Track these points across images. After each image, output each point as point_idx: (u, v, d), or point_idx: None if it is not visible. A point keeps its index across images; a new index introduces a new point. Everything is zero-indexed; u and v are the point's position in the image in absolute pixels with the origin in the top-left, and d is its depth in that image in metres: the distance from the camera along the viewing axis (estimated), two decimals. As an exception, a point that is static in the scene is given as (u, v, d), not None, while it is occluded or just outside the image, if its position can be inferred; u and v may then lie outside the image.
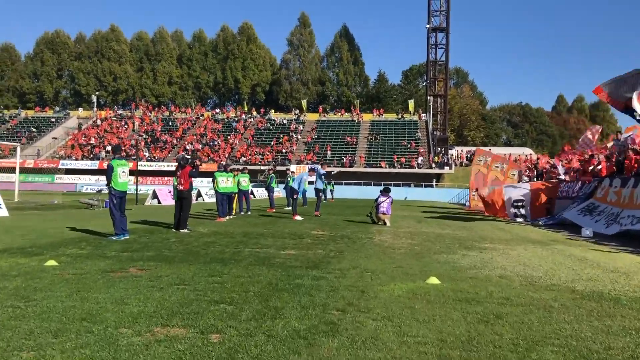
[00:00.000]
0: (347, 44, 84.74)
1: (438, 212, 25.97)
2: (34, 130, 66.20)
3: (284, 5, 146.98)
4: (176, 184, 12.75)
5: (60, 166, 57.14)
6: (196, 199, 30.69)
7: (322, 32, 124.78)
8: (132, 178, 32.06)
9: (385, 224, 15.26)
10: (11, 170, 55.18)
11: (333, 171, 41.52)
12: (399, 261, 8.17)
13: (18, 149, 26.18)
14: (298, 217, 16.94)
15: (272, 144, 59.06)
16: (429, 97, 67.74)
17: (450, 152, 64.55)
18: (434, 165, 53.04)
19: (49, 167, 56.44)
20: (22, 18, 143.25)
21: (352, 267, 7.36)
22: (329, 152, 56.16)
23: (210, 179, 17.73)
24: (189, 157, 12.98)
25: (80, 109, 75.41)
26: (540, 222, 19.25)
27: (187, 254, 8.24)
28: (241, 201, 19.80)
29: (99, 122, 68.49)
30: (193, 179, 12.42)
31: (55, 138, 64.55)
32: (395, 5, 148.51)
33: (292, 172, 30.50)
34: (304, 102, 70.53)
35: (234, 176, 17.70)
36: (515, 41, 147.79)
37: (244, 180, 19.79)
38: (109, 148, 60.25)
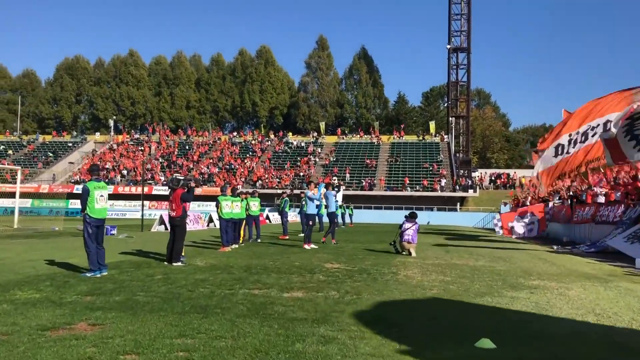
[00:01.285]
0: (366, 66, 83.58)
1: (465, 238, 24.01)
2: (51, 155, 65.75)
3: (302, 29, 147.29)
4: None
5: (74, 191, 56.20)
6: (207, 225, 29.19)
7: (340, 54, 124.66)
8: (113, 202, 30.62)
9: (410, 254, 13.43)
10: (28, 195, 54.60)
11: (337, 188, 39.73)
12: (434, 308, 6.38)
13: (19, 172, 24.93)
14: (310, 246, 15.09)
15: (286, 166, 57.62)
16: (450, 119, 65.90)
17: (473, 174, 62.43)
18: (457, 188, 50.92)
19: (63, 192, 55.59)
20: (43, 44, 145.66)
21: (373, 320, 5.59)
22: (347, 175, 54.45)
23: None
24: (182, 178, 11.33)
25: (97, 134, 75.05)
26: (581, 249, 17.29)
27: (164, 300, 6.55)
28: (251, 227, 18.16)
29: (115, 146, 67.88)
30: (188, 203, 10.81)
31: (72, 163, 63.99)
32: (415, 27, 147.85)
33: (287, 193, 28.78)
34: (322, 125, 69.20)
35: (242, 200, 16.06)
36: (539, 61, 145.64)
37: (254, 205, 18.19)
38: (124, 172, 59.45)
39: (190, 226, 26.01)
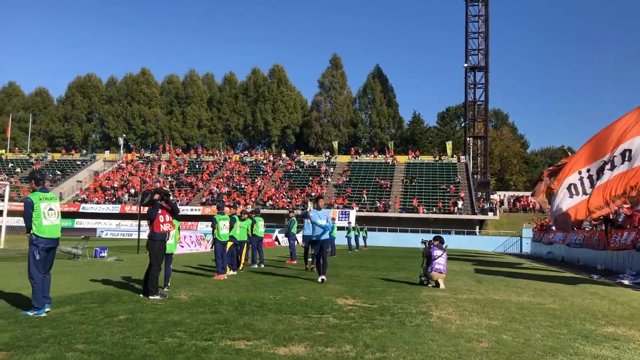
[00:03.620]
0: (380, 85, 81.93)
1: (491, 264, 21.80)
2: (59, 173, 64.51)
3: (316, 47, 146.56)
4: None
5: (81, 210, 54.81)
6: (212, 247, 27.20)
7: (354, 73, 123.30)
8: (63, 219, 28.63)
9: (438, 285, 11.35)
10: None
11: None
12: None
13: (7, 189, 23.20)
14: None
15: (285, 185, 55.72)
16: (468, 139, 63.83)
17: (492, 196, 60.08)
18: (477, 211, 48.59)
19: (68, 211, 54.14)
20: (56, 63, 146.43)
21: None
22: (365, 196, 52.31)
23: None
24: (150, 192, 9.16)
25: (107, 152, 73.85)
26: (626, 279, 15.07)
27: (105, 358, 4.58)
28: (255, 250, 16.21)
29: (123, 165, 66.56)
30: (162, 221, 8.87)
31: (80, 181, 62.69)
32: (431, 45, 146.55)
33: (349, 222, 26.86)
34: (335, 144, 67.38)
35: (243, 220, 14.15)
36: (557, 82, 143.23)
37: (260, 225, 16.28)
38: (132, 191, 57.90)
39: (190, 248, 24.12)
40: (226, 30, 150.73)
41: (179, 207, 10.58)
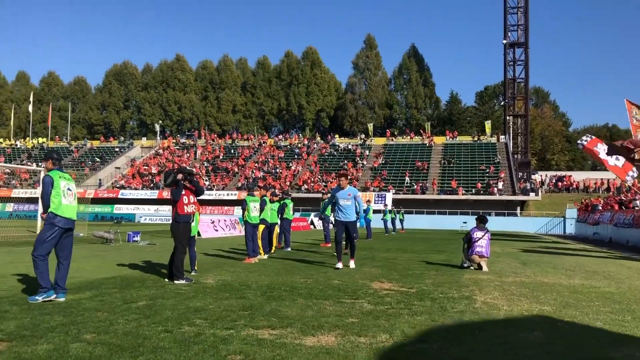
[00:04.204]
0: (416, 65, 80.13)
1: (535, 245, 20.83)
2: (98, 160, 65.63)
3: (349, 28, 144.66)
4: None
5: (119, 196, 55.58)
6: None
7: (389, 53, 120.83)
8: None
9: (480, 268, 10.64)
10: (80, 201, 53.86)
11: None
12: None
13: (42, 174, 23.32)
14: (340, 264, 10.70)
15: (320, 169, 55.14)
16: (507, 118, 61.88)
17: (533, 177, 58.23)
18: (517, 191, 47.10)
19: (107, 197, 55.03)
20: (93, 51, 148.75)
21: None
22: (407, 179, 51.21)
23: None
24: (172, 172, 8.51)
25: (144, 139, 74.73)
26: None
27: (112, 351, 4.13)
28: (286, 233, 15.80)
29: (160, 151, 67.20)
30: (185, 204, 8.41)
31: (118, 168, 63.61)
32: (468, 23, 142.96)
33: (369, 200, 26.34)
34: (370, 126, 66.33)
35: (272, 202, 13.69)
36: (601, 58, 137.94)
37: (290, 208, 15.85)
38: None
39: (224, 232, 23.90)
40: (259, 14, 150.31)
41: (205, 188, 10.06)
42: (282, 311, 5.86)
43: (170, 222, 8.48)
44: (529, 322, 5.62)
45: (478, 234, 10.73)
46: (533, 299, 7.15)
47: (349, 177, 11.07)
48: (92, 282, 7.84)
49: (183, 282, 8.01)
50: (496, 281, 9.03)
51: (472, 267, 10.88)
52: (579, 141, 18.85)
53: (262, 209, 12.41)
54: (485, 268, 10.58)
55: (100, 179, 60.35)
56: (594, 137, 18.72)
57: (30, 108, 77.40)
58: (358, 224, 11.61)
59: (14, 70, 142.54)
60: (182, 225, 8.41)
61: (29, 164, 59.82)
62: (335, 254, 11.38)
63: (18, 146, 71.66)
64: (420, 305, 6.43)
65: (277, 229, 14.33)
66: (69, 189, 6.55)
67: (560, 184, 56.96)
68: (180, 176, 8.39)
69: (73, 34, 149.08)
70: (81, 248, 14.71)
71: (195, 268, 9.49)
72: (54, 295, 6.18)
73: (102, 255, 12.39)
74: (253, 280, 8.41)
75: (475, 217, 11.57)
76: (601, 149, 17.72)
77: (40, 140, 74.20)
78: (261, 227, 12.52)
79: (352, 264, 10.65)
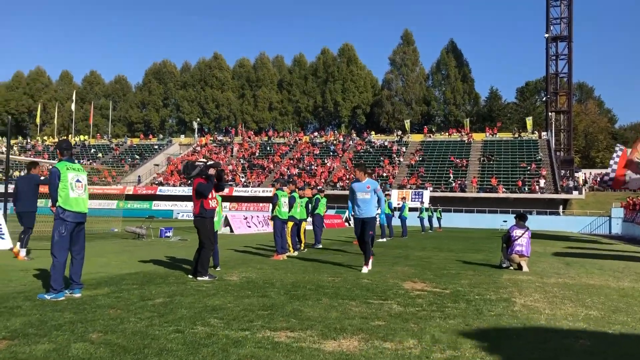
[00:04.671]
0: (455, 60, 78.57)
1: (579, 246, 19.90)
2: (137, 157, 66.72)
3: (386, 24, 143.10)
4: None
5: (158, 192, 56.33)
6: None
7: (426, 49, 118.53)
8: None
9: (520, 268, 10.05)
10: (114, 197, 55.23)
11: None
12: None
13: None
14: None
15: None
16: (549, 114, 60.03)
17: (576, 174, 56.33)
18: (560, 190, 45.56)
19: (146, 194, 55.86)
20: (133, 51, 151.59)
21: None
22: (451, 175, 50.18)
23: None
24: (199, 164, 8.12)
25: (182, 136, 75.66)
26: None
27: (115, 352, 3.84)
28: (319, 229, 15.48)
29: (198, 148, 67.87)
30: (208, 198, 8.12)
31: (157, 165, 64.51)
32: (507, 17, 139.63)
33: (388, 194, 25.87)
34: (407, 123, 65.38)
35: (301, 198, 13.38)
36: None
37: (323, 204, 15.52)
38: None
39: (257, 228, 23.72)
40: (296, 12, 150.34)
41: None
42: (304, 312, 5.49)
43: (195, 217, 8.13)
44: (575, 329, 5.10)
45: (517, 232, 10.14)
46: (578, 303, 6.59)
47: (367, 169, 9.80)
48: (114, 278, 7.65)
49: (206, 278, 7.74)
50: (537, 282, 8.45)
51: (511, 267, 10.30)
52: (606, 180, 18.75)
53: (291, 206, 12.10)
54: (525, 268, 9.99)
55: (139, 176, 61.32)
56: (615, 170, 18.03)
57: (73, 107, 79.28)
58: (378, 221, 11.01)
59: (58, 70, 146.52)
60: (209, 221, 8.15)
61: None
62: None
63: (61, 144, 73.47)
64: (453, 308, 5.96)
65: (304, 225, 13.90)
66: (77, 181, 6.26)
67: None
68: (212, 171, 8.10)
69: (114, 34, 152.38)
70: (113, 243, 14.71)
71: (219, 264, 9.24)
72: (62, 296, 5.93)
73: (131, 251, 12.28)
74: (278, 278, 8.08)
75: (515, 214, 10.96)
76: (628, 175, 17.19)
77: (82, 137, 75.95)
78: (290, 223, 12.23)
79: (364, 269, 9.23)
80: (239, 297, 6.32)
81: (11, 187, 11.63)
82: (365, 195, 9.34)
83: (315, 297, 6.38)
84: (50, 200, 6.15)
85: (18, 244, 10.29)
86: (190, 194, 7.88)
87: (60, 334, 4.30)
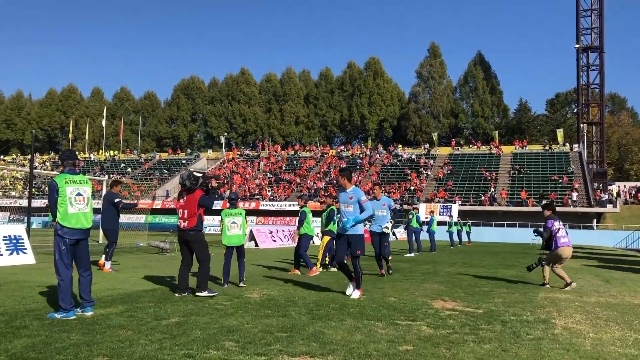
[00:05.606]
0: (483, 72, 77.58)
1: (617, 261, 19.06)
2: (166, 172, 67.33)
3: (413, 37, 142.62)
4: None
5: (185, 207, 56.58)
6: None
7: (454, 61, 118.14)
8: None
9: (568, 285, 9.40)
10: (143, 211, 55.75)
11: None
12: None
13: (104, 184, 23.46)
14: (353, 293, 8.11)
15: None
16: (581, 126, 58.62)
17: (610, 187, 54.78)
18: (594, 203, 44.23)
19: (173, 208, 56.12)
20: (163, 67, 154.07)
21: None
22: (492, 189, 49.12)
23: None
24: (200, 175, 7.79)
25: (210, 151, 76.21)
26: None
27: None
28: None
29: (226, 162, 68.20)
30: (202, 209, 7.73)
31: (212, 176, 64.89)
32: (536, 27, 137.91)
33: (415, 207, 25.33)
34: (434, 136, 64.63)
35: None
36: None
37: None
38: (233, 190, 58.87)
39: (282, 242, 23.41)
40: (322, 26, 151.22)
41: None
42: (326, 334, 5.12)
43: (189, 230, 7.66)
44: (626, 356, 4.61)
45: (557, 224, 9.54)
46: (625, 325, 6.06)
47: (352, 176, 8.45)
48: (130, 295, 7.39)
49: (206, 293, 7.40)
50: (577, 301, 7.92)
51: (557, 266, 9.57)
52: None
53: (301, 222, 11.88)
54: (570, 284, 9.37)
55: (167, 190, 61.82)
56: None
57: (104, 122, 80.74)
58: (400, 235, 10.84)
59: (89, 87, 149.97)
60: (203, 234, 7.84)
61: (101, 175, 62.18)
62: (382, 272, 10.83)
63: (92, 159, 74.72)
64: (488, 330, 5.51)
65: (324, 241, 12.47)
66: (78, 194, 5.90)
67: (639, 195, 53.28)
68: (214, 183, 7.81)
69: (144, 51, 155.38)
70: (134, 258, 14.55)
71: (243, 279, 8.93)
72: (73, 315, 5.67)
73: (152, 266, 12.06)
74: (300, 296, 7.72)
75: (544, 204, 10.05)
76: None
77: (112, 153, 77.15)
78: (326, 238, 12.07)
79: (354, 294, 7.83)
80: (258, 316, 5.97)
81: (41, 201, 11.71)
82: (348, 207, 8.04)
83: (338, 318, 6.00)
84: (51, 214, 5.90)
85: (103, 256, 11.00)
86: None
87: (62, 358, 4.02)
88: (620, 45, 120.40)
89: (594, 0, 60.74)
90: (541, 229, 9.69)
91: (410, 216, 20.39)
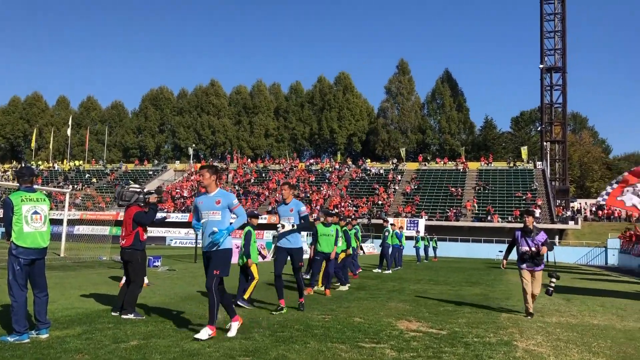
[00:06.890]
0: (450, 89, 78.99)
1: (578, 279, 19.48)
2: (132, 183, 66.16)
3: (382, 53, 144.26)
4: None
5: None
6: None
7: (422, 78, 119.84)
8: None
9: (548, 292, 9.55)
10: (107, 222, 54.52)
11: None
12: None
13: (67, 197, 23.09)
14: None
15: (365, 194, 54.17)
16: (545, 144, 60.08)
17: (572, 204, 56.16)
18: (556, 220, 45.25)
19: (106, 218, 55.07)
20: (131, 77, 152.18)
21: None
22: (477, 205, 49.77)
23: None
24: (136, 190, 7.62)
25: (177, 162, 75.37)
26: None
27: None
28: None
29: (193, 174, 67.51)
30: (144, 227, 7.55)
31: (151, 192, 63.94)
32: (502, 47, 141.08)
33: (392, 224, 25.17)
34: (402, 151, 65.32)
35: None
36: None
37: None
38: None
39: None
40: (293, 40, 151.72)
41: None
42: (289, 358, 5.06)
43: (125, 249, 7.43)
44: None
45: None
46: (584, 347, 6.18)
47: (296, 188, 7.80)
48: (89, 315, 7.20)
49: (131, 316, 7.13)
50: (538, 322, 8.05)
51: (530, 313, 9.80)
52: (600, 199, 19.22)
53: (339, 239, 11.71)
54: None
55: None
56: (611, 189, 17.70)
57: (69, 131, 79.13)
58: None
59: (55, 95, 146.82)
60: (141, 254, 7.58)
61: (65, 186, 60.74)
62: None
63: (56, 168, 73.04)
64: (451, 353, 5.54)
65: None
66: (35, 213, 5.71)
67: (600, 212, 54.70)
68: (154, 198, 7.64)
69: (112, 60, 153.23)
70: (96, 273, 14.21)
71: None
72: (27, 338, 5.47)
73: (114, 283, 11.78)
74: (265, 316, 7.64)
75: (526, 210, 10.49)
76: (624, 197, 16.96)
77: (77, 163, 75.56)
78: (341, 255, 12.26)
79: (282, 307, 8.09)
80: (221, 339, 5.87)
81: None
82: (289, 220, 7.99)
83: (302, 340, 5.94)
84: (6, 233, 5.70)
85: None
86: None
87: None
88: (582, 66, 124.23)
89: (557, 23, 62.57)
90: (549, 240, 9.91)
91: (387, 233, 19.70)
